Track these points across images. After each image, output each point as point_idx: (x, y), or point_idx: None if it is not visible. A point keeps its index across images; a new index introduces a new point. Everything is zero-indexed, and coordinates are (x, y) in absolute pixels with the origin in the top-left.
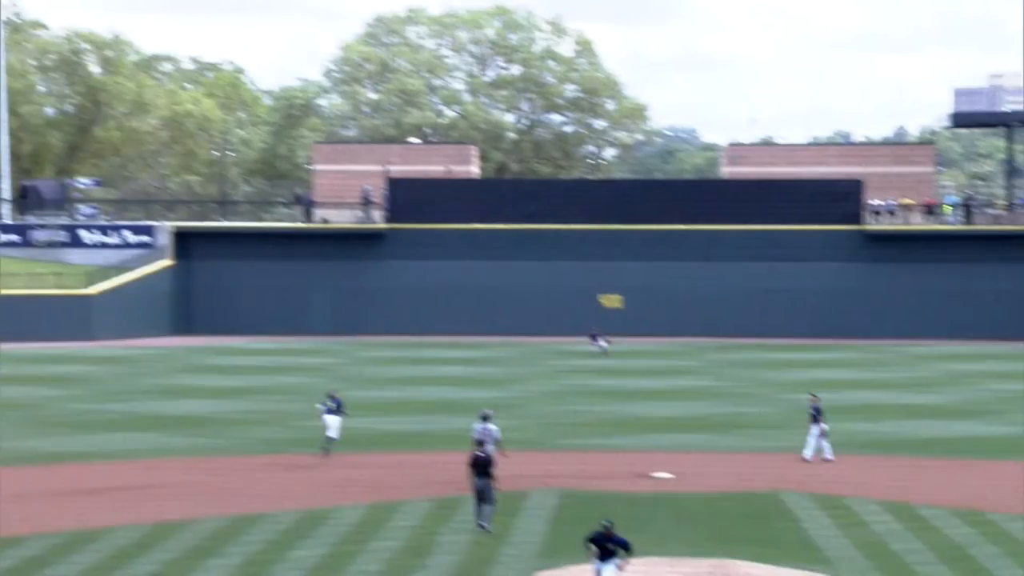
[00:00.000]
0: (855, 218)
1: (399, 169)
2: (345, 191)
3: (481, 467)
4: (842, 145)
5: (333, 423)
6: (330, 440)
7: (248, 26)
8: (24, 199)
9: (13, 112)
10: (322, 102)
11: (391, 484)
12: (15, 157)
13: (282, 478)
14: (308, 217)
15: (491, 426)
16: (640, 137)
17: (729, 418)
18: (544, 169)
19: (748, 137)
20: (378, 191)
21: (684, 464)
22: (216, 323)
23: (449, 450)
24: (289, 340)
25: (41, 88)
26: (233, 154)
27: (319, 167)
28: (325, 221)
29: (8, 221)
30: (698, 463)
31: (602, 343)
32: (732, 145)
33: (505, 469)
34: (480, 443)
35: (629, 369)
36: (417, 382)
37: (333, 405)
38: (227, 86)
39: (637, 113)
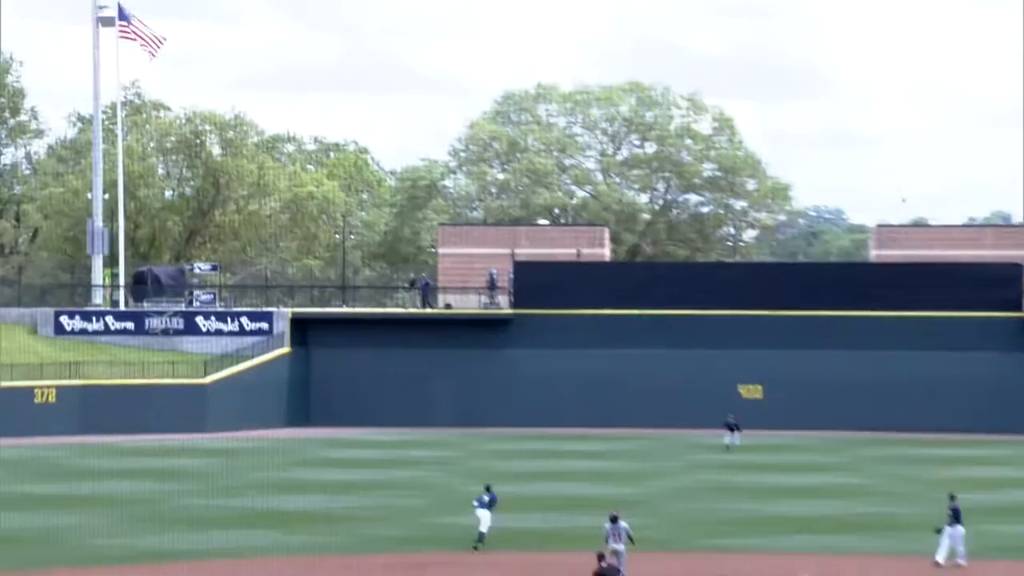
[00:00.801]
0: (1016, 304)
1: (527, 252)
2: (471, 275)
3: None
4: (1001, 227)
5: (484, 518)
6: (481, 536)
7: (372, 104)
8: (140, 285)
9: (131, 195)
10: (448, 182)
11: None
12: (131, 242)
13: None
14: (424, 303)
15: (622, 523)
16: (782, 218)
17: (876, 518)
18: (680, 252)
19: (899, 218)
20: (504, 275)
21: (828, 567)
22: (334, 413)
23: (577, 549)
24: (409, 432)
25: (160, 171)
26: (355, 237)
27: (443, 250)
28: (448, 306)
29: (123, 308)
30: (843, 566)
31: (734, 438)
32: (881, 226)
33: (636, 570)
34: (614, 552)
35: (769, 464)
36: (542, 477)
37: (487, 499)
38: (350, 166)
39: (780, 193)
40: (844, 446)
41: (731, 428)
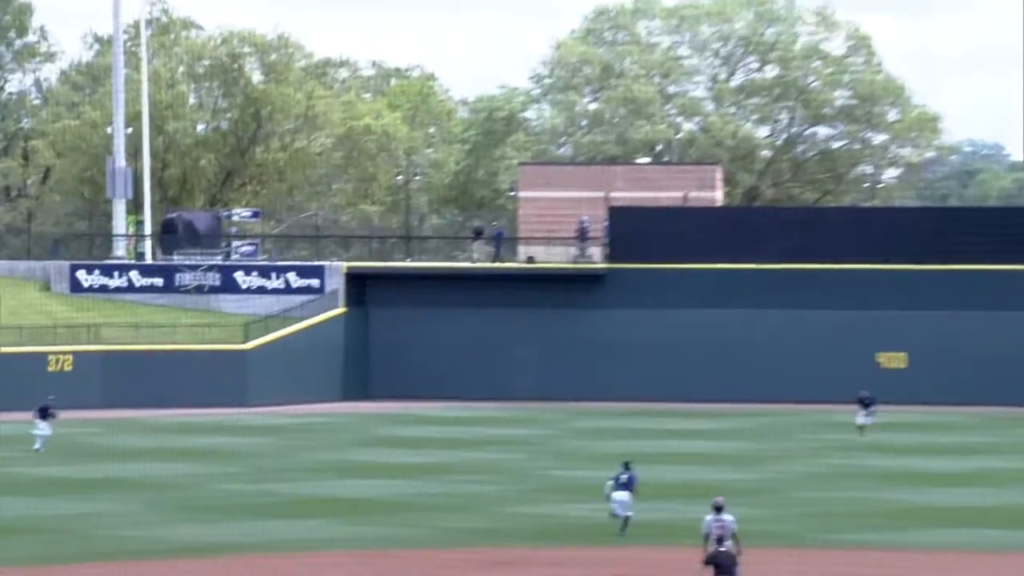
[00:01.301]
0: None
1: (623, 196)
2: (557, 223)
3: (723, 566)
4: None
5: (624, 501)
6: (619, 518)
7: (441, 24)
8: (169, 234)
9: (158, 130)
10: (530, 114)
11: None
12: (159, 184)
13: None
14: (498, 256)
15: (726, 517)
16: (930, 155)
17: None
18: (807, 195)
19: None
20: (597, 223)
21: (983, 569)
22: (397, 385)
23: (683, 544)
24: (485, 406)
25: (192, 101)
26: (420, 178)
27: (525, 194)
28: (531, 260)
29: (150, 261)
30: (1002, 567)
31: (867, 418)
32: None
33: (751, 570)
34: (718, 539)
35: (913, 446)
36: (643, 459)
37: (625, 478)
38: (414, 96)
39: (927, 124)
40: (1001, 424)
41: (865, 405)
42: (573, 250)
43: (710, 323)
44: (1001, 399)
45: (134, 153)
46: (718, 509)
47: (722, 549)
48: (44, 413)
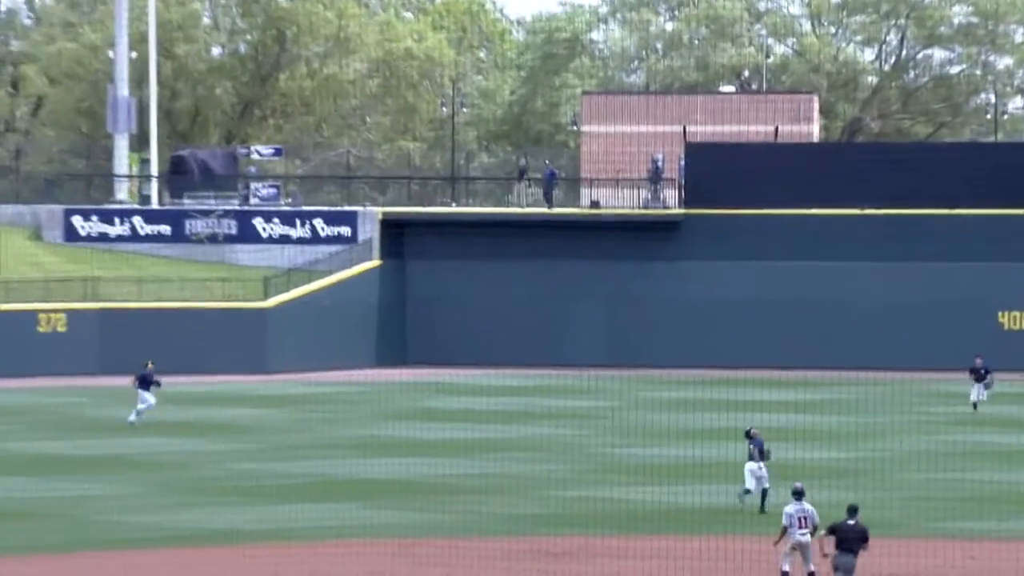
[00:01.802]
0: None
1: (704, 131)
2: (626, 162)
3: (850, 540)
4: None
5: (752, 470)
6: (764, 494)
7: None
8: (178, 175)
9: (166, 54)
10: (596, 36)
11: None
12: (167, 116)
13: (528, 572)
14: (549, 201)
15: (807, 505)
16: None
17: None
18: (918, 128)
19: None
20: (673, 162)
21: None
22: (438, 349)
23: (767, 533)
24: (541, 374)
25: (206, 20)
26: (468, 110)
27: (589, 128)
28: (595, 205)
29: (156, 206)
30: None
31: (981, 392)
32: None
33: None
34: (797, 546)
35: None
36: (721, 435)
37: (754, 449)
38: (462, 15)
39: None
40: None
41: (978, 377)
42: (644, 193)
43: (803, 278)
44: None
45: (139, 81)
46: (798, 495)
47: (849, 521)
48: (145, 382)
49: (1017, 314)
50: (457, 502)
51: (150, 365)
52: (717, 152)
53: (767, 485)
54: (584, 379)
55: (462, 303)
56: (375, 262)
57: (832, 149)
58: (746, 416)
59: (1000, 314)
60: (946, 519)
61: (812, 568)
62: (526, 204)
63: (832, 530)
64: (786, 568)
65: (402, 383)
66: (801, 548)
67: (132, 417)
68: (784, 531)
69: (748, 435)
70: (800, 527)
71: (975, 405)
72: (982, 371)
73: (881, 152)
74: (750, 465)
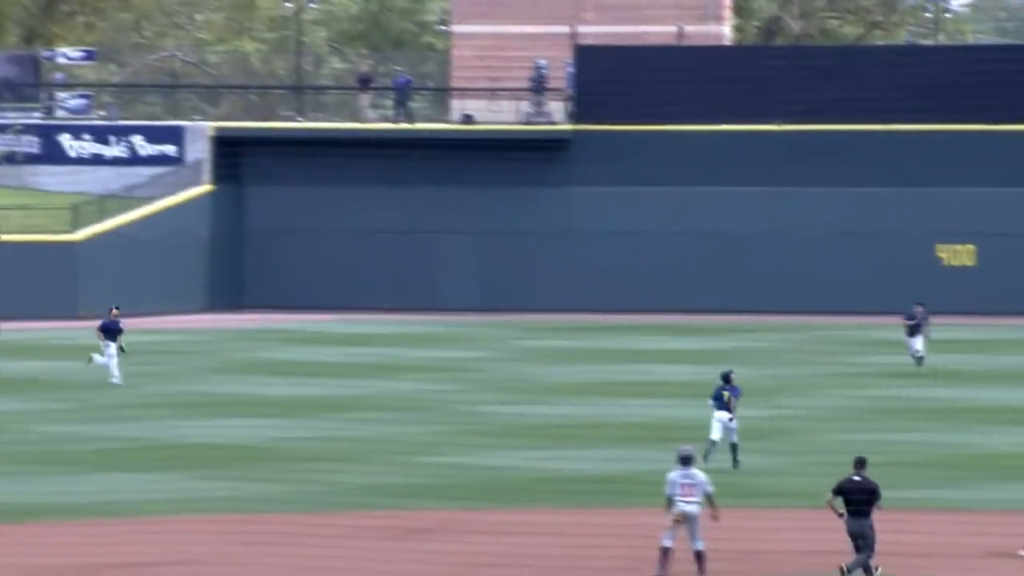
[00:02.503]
0: None
1: (596, 32)
2: (504, 70)
3: (857, 501)
4: None
5: (723, 421)
6: (711, 445)
7: None
8: None
9: None
10: None
11: (569, 564)
12: None
13: (385, 552)
14: (405, 115)
15: (696, 472)
16: None
17: None
18: (848, 30)
19: None
20: (560, 68)
21: None
22: (281, 291)
23: (659, 505)
24: (403, 319)
25: None
26: (317, 7)
27: (460, 28)
28: (468, 120)
29: None
30: None
31: (917, 346)
32: None
33: (755, 540)
34: (682, 517)
35: (980, 372)
36: (610, 391)
37: (726, 394)
38: None
39: None
40: None
41: (913, 327)
42: (526, 106)
43: (711, 206)
44: None
45: None
46: (685, 461)
47: (855, 477)
48: (110, 332)
49: (958, 248)
50: (303, 471)
51: (115, 309)
52: (611, 57)
53: (736, 440)
54: (452, 326)
55: (309, 237)
56: (206, 187)
57: (746, 54)
58: (644, 368)
59: (938, 248)
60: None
61: (700, 546)
62: (371, 119)
63: (839, 490)
64: (667, 544)
65: (238, 330)
66: (687, 521)
67: (114, 379)
68: (669, 503)
69: (726, 379)
70: (685, 495)
71: (919, 359)
72: (915, 320)
73: (803, 57)
74: (720, 415)
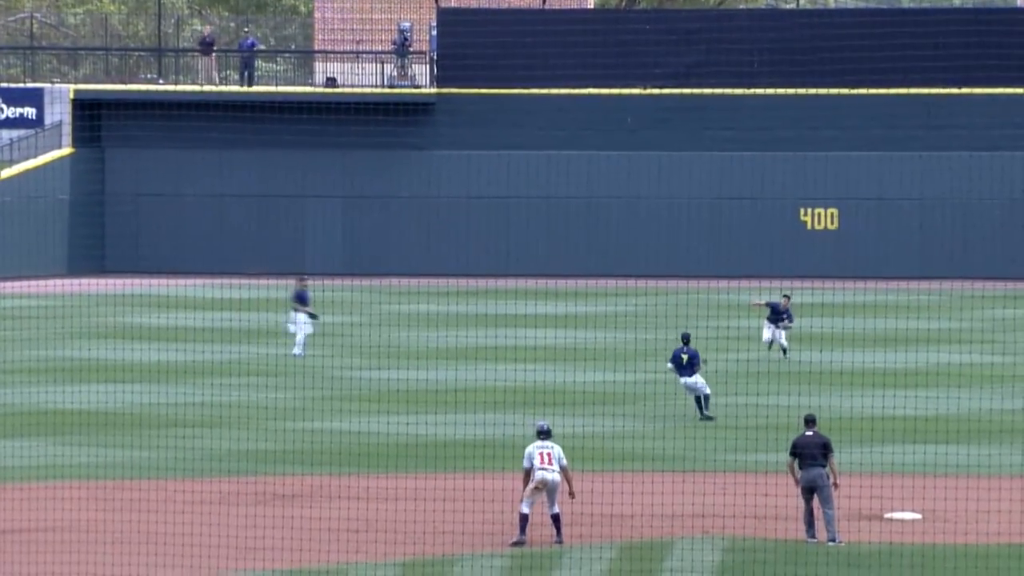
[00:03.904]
0: None
1: None
2: (367, 33)
3: (812, 456)
4: None
5: (692, 384)
6: (704, 401)
7: None
8: None
9: None
10: None
11: (433, 529)
12: None
13: (252, 518)
14: (247, 79)
15: (553, 445)
16: None
17: (1016, 417)
18: None
19: None
20: (424, 31)
21: (941, 496)
22: (145, 255)
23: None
24: (267, 284)
25: None
26: None
27: None
28: (331, 83)
29: None
30: (967, 494)
31: (776, 331)
32: None
33: (617, 504)
34: (542, 484)
35: (844, 334)
36: (479, 356)
37: (685, 356)
38: None
39: None
40: (959, 304)
41: (775, 317)
42: (390, 69)
43: (578, 171)
44: (960, 270)
45: None
46: (543, 435)
47: (807, 433)
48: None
49: (821, 211)
50: (166, 437)
51: (305, 279)
52: (475, 19)
53: (708, 391)
54: (318, 290)
55: (173, 201)
56: (66, 150)
57: (610, 17)
58: (511, 332)
59: (802, 211)
60: (738, 451)
61: (557, 510)
62: (217, 82)
63: (793, 448)
64: (525, 511)
65: (100, 295)
66: (546, 487)
67: (297, 350)
68: (527, 474)
69: (685, 341)
70: (543, 463)
71: (769, 345)
72: (783, 314)
73: (666, 21)
74: (686, 380)
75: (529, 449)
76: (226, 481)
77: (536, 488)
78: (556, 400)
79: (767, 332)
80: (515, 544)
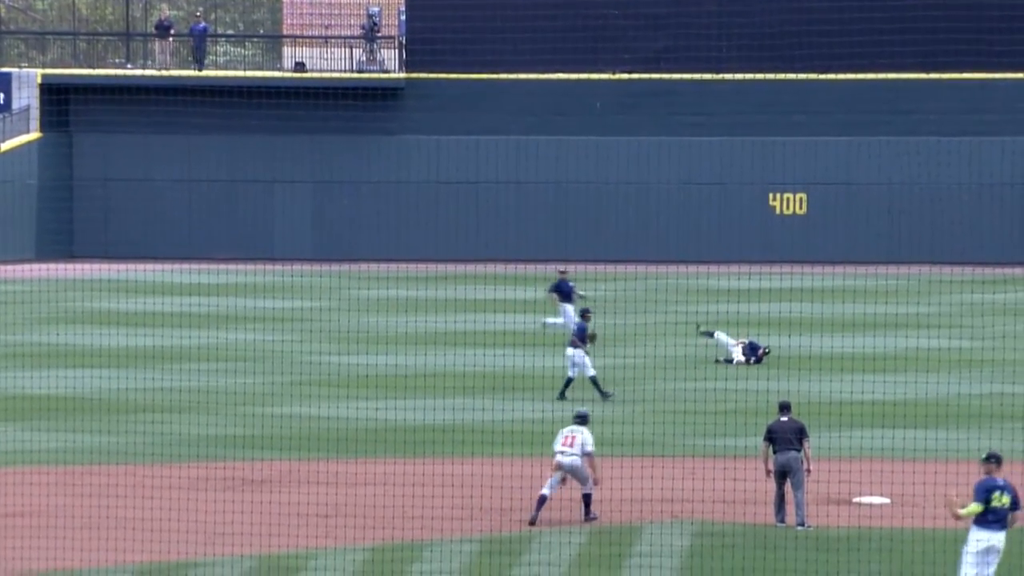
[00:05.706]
0: None
1: None
2: (336, 18)
3: (786, 440)
4: None
5: (571, 357)
6: (594, 382)
7: None
8: None
9: None
10: None
11: (404, 514)
12: None
13: (221, 503)
14: (198, 62)
15: (581, 430)
16: None
17: (983, 402)
18: None
19: None
20: (393, 15)
21: (909, 481)
22: (114, 240)
23: (502, 455)
24: (237, 269)
25: None
26: None
27: None
28: (300, 67)
29: None
30: (935, 479)
31: (730, 346)
32: None
33: (603, 490)
34: (559, 467)
35: (814, 319)
36: (450, 340)
37: (573, 327)
38: None
39: None
40: (936, 289)
41: (751, 349)
42: (359, 54)
43: (547, 155)
44: (928, 255)
45: None
46: (579, 419)
47: (782, 418)
48: (564, 293)
49: (790, 196)
50: (136, 422)
51: (572, 283)
52: (444, 4)
53: (593, 372)
54: (288, 275)
55: (141, 186)
56: (34, 135)
57: (579, 2)
58: (481, 317)
59: (771, 196)
60: (707, 435)
61: (587, 490)
62: (168, 66)
63: (768, 433)
64: (544, 491)
65: (69, 280)
66: (561, 470)
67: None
68: (554, 453)
69: (583, 316)
70: (564, 444)
71: (731, 361)
72: (759, 348)
73: (635, 6)
74: (571, 351)
75: (562, 431)
76: (195, 466)
77: (554, 470)
78: (524, 385)
79: (735, 351)
80: (530, 523)
